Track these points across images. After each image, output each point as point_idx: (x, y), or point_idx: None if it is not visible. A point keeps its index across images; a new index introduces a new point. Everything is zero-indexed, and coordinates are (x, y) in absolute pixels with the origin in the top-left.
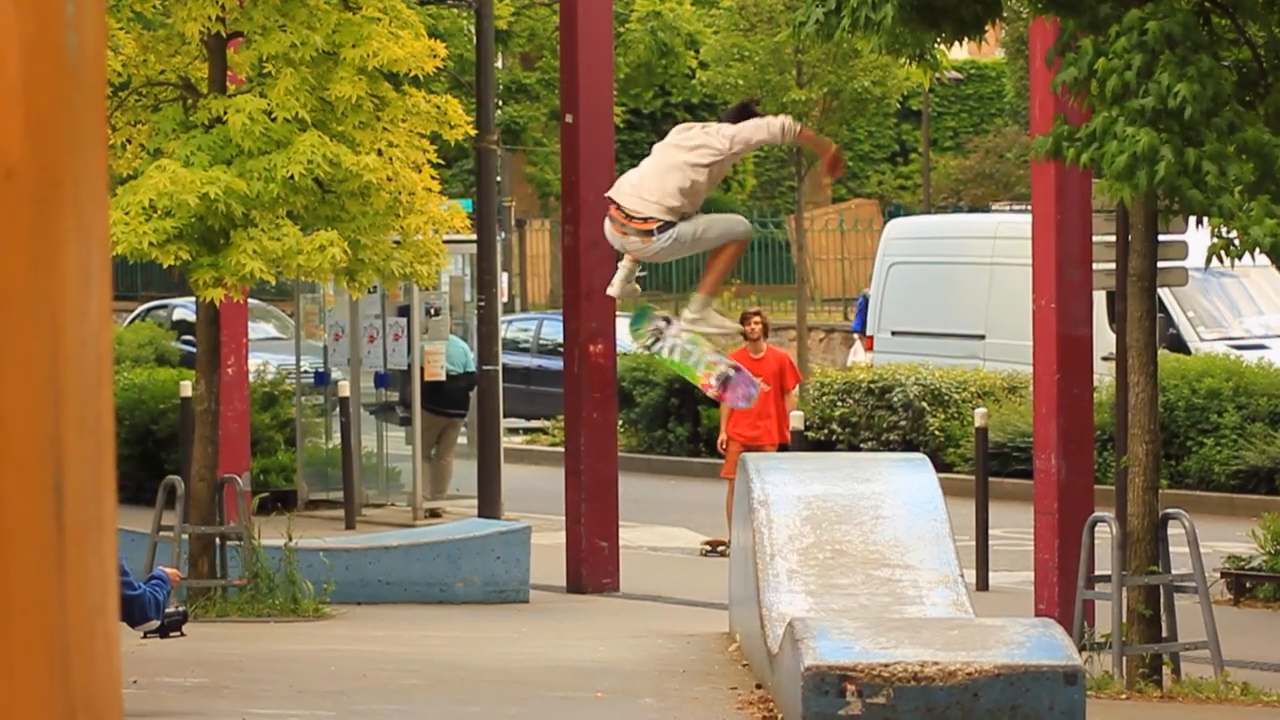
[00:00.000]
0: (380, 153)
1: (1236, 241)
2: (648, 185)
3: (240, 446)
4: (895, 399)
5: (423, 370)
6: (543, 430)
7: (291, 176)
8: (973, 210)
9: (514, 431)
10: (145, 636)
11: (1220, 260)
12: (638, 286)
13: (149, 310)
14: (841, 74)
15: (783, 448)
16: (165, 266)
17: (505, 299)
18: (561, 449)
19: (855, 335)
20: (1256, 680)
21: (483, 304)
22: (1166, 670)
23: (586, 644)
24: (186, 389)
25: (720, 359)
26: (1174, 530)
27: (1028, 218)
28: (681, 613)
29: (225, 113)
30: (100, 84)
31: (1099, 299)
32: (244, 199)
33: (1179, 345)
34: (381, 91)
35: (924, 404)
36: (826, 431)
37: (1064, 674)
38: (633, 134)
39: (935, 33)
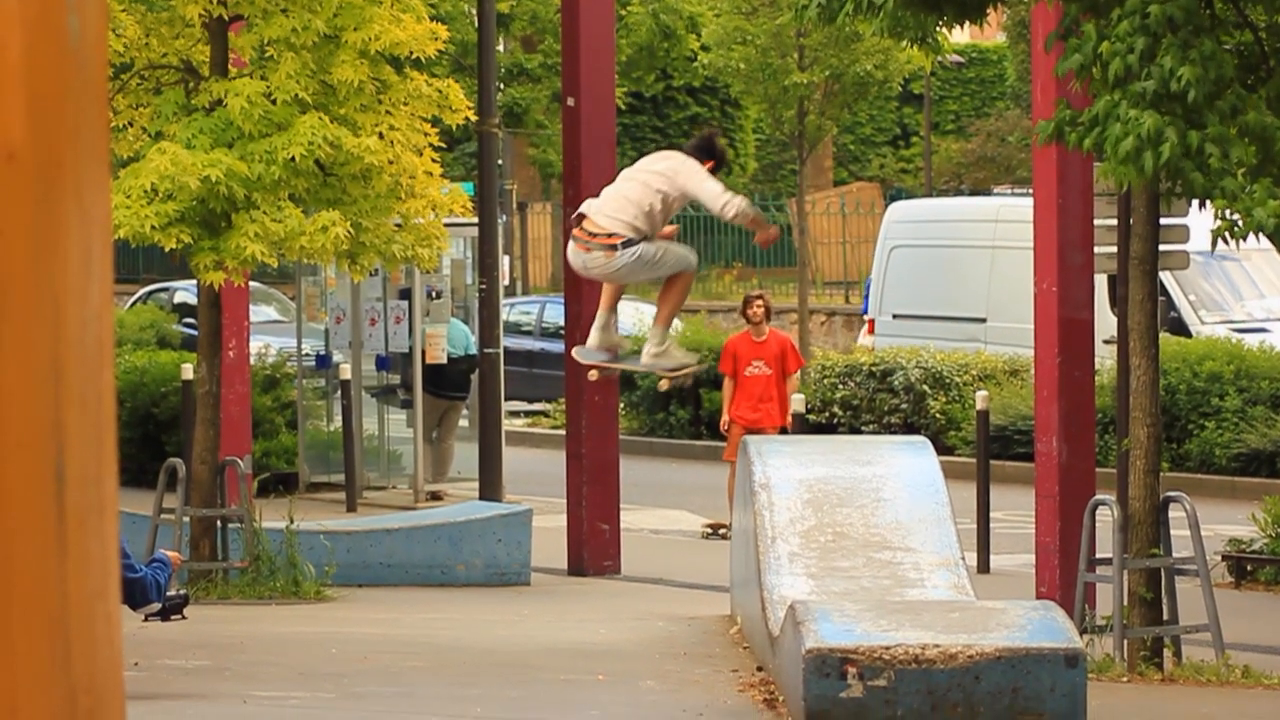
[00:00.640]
0: (381, 136)
1: (1240, 224)
2: (614, 203)
3: (242, 429)
4: (896, 382)
5: (424, 353)
6: (544, 413)
7: (293, 159)
8: (974, 193)
9: (515, 414)
10: (146, 619)
11: (1225, 242)
12: (619, 338)
13: (150, 293)
14: (843, 57)
15: (782, 432)
16: (166, 250)
17: (506, 282)
18: (563, 432)
19: (865, 318)
20: (1258, 663)
21: (484, 287)
22: (1167, 653)
23: (588, 626)
24: (188, 372)
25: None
26: (1175, 513)
27: (1029, 201)
28: (683, 595)
29: (226, 96)
30: (102, 67)
31: (1100, 282)
32: (245, 182)
33: (1180, 328)
34: (383, 75)
35: (925, 387)
36: (828, 414)
37: (1065, 657)
38: (634, 117)
39: (937, 16)
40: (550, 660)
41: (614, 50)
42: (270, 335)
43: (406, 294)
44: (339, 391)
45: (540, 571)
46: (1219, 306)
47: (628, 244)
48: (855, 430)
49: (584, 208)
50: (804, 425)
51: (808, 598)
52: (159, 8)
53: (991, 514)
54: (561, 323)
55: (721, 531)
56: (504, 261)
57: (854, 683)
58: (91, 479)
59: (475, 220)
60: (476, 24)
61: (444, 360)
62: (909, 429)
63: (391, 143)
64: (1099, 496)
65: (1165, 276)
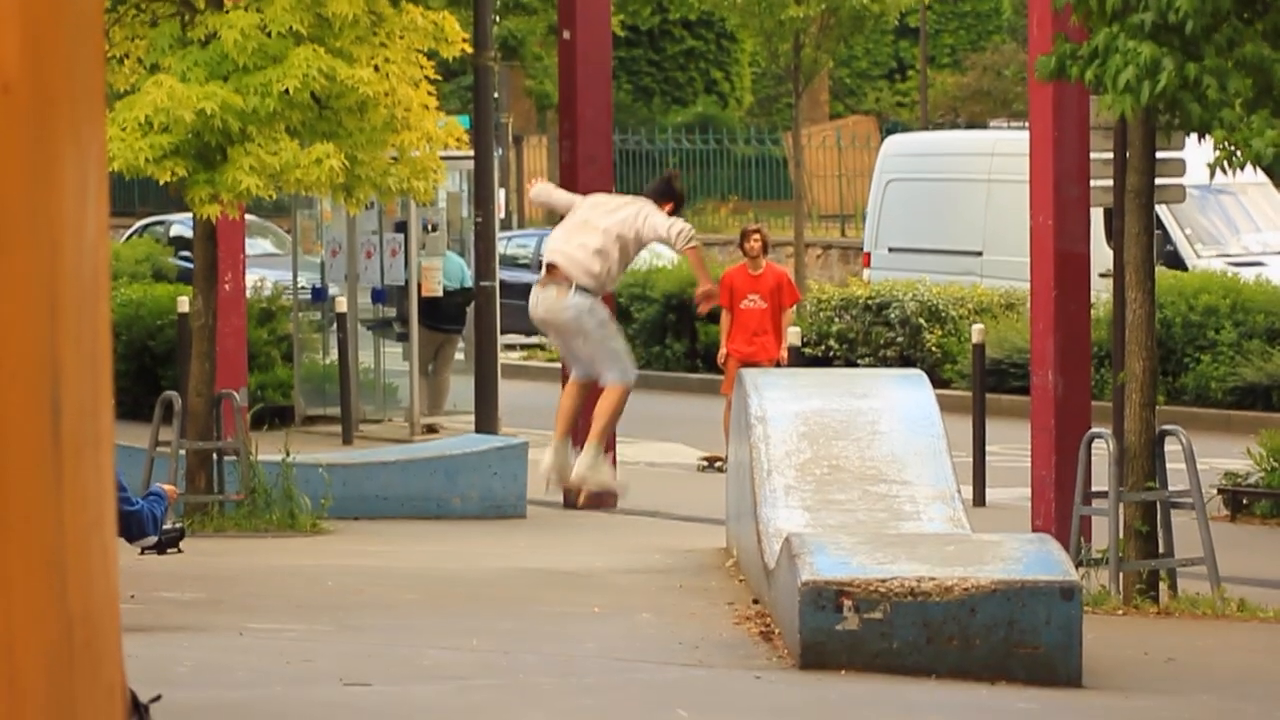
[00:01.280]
0: (377, 69)
1: (1239, 154)
2: (577, 252)
3: (237, 362)
4: (892, 315)
5: (420, 286)
6: (540, 346)
7: (287, 91)
8: (970, 127)
9: (511, 348)
10: (143, 553)
11: (1224, 172)
12: (588, 477)
13: (146, 226)
14: None
15: (777, 365)
16: (161, 183)
17: (502, 215)
18: (558, 364)
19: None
20: (1253, 596)
21: (479, 220)
22: (1163, 586)
23: (583, 559)
24: (183, 305)
25: None
26: (1171, 447)
27: (1025, 134)
28: (678, 528)
29: (221, 28)
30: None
31: (1097, 216)
32: (240, 114)
33: (1176, 262)
34: (378, 7)
35: (921, 320)
36: (824, 348)
37: (1061, 589)
38: (630, 50)
39: None
40: (546, 593)
41: None
42: (266, 268)
43: (402, 227)
44: (334, 324)
45: (536, 504)
46: (1215, 240)
47: (582, 290)
48: (851, 363)
49: (547, 255)
50: (800, 358)
51: (803, 530)
52: None
53: (987, 447)
54: None
55: (717, 464)
56: (500, 195)
57: (849, 615)
58: (88, 411)
59: (471, 153)
60: None
61: (440, 293)
62: (905, 362)
63: (387, 75)
64: (1095, 430)
65: (1161, 210)
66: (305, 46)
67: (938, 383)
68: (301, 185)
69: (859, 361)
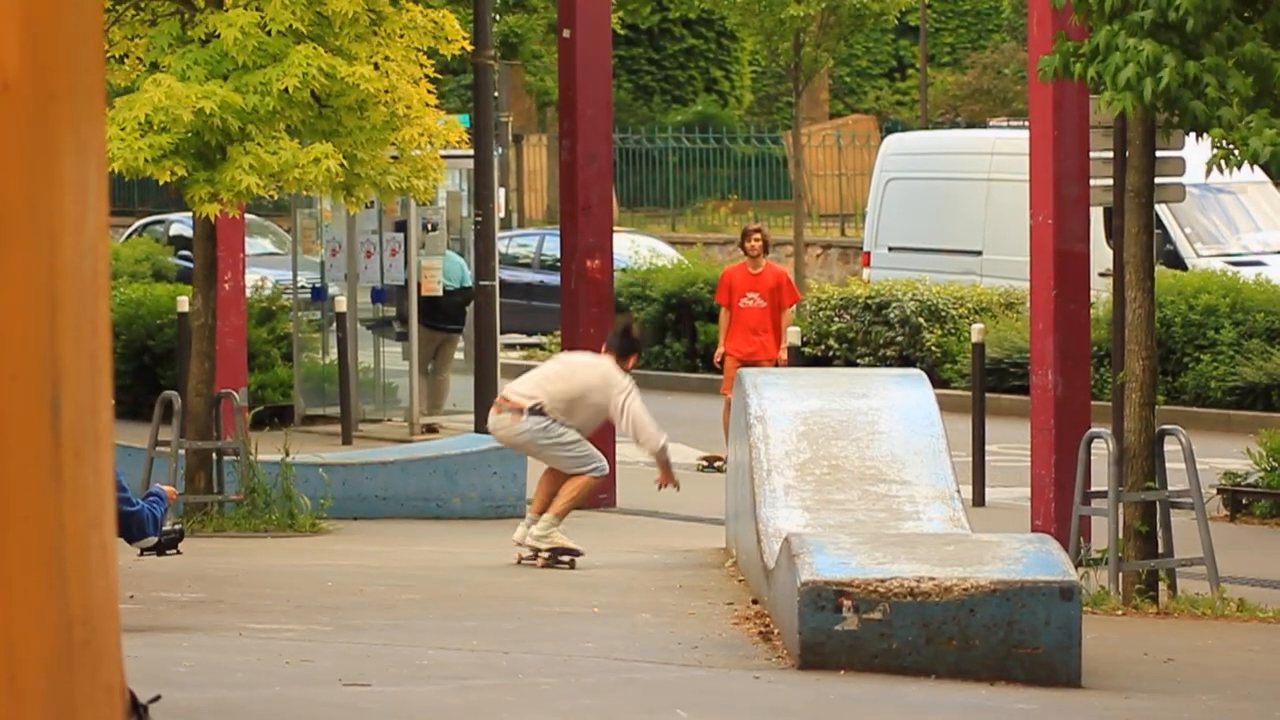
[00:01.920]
0: (377, 67)
1: (1236, 153)
2: (532, 382)
3: (237, 362)
4: (892, 315)
5: (419, 285)
6: (541, 346)
7: (287, 90)
8: (970, 126)
9: (512, 347)
10: (142, 554)
11: (1221, 170)
12: (539, 546)
13: (145, 226)
14: None
15: (776, 365)
16: (161, 183)
17: (502, 214)
18: None
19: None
20: (1252, 596)
21: (479, 219)
22: (1163, 586)
23: (583, 559)
24: (183, 304)
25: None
26: (1170, 446)
27: (1025, 133)
28: (678, 528)
29: (220, 27)
30: None
31: (1096, 215)
32: (240, 113)
33: (1176, 261)
34: (378, 6)
35: (921, 320)
36: (823, 347)
37: (1060, 590)
38: (630, 49)
39: None
40: (545, 593)
41: None
42: (266, 268)
43: (402, 226)
44: (334, 324)
45: None
46: (1215, 239)
47: (535, 410)
48: (850, 363)
49: (504, 390)
50: (799, 358)
51: (803, 530)
52: None
53: (987, 447)
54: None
55: (717, 464)
56: (499, 194)
57: (849, 615)
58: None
59: (471, 152)
60: None
61: (439, 293)
62: (905, 362)
63: (386, 73)
64: (1094, 430)
65: (1161, 209)
66: (305, 45)
67: (937, 382)
68: (301, 184)
69: (859, 361)
